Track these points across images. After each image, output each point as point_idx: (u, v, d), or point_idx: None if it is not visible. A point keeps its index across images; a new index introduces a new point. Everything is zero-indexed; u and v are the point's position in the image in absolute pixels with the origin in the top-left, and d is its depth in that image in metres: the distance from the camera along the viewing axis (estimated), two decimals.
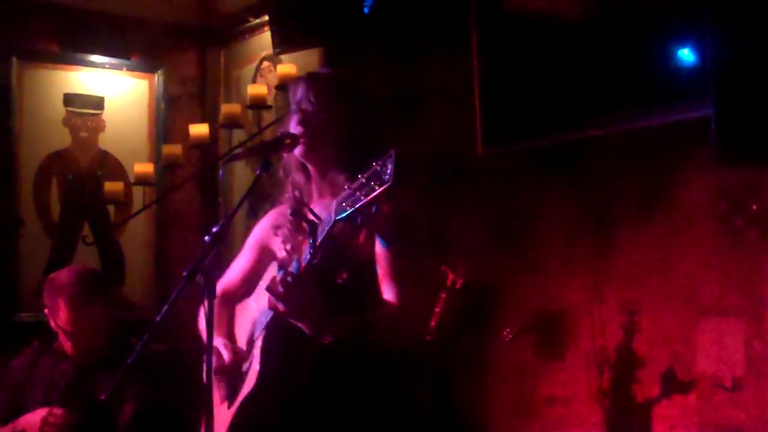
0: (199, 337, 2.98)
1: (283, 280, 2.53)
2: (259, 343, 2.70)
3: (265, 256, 3.02)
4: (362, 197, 2.29)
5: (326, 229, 2.43)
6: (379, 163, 2.26)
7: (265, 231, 3.04)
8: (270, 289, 2.55)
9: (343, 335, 2.59)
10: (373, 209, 2.29)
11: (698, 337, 3.91)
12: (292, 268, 2.57)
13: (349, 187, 2.34)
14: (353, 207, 2.31)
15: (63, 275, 3.86)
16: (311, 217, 2.48)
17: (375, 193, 2.25)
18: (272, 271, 2.75)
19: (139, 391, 3.66)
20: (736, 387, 3.77)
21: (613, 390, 4.18)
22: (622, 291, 4.17)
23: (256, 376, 2.64)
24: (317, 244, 2.47)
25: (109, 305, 3.91)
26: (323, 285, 2.59)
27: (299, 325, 2.59)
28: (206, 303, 2.44)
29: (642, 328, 4.09)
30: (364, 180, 2.30)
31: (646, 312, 4.08)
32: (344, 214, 2.34)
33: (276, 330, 2.66)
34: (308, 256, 2.50)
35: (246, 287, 3.01)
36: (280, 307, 2.56)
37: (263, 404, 2.69)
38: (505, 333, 4.43)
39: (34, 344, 3.98)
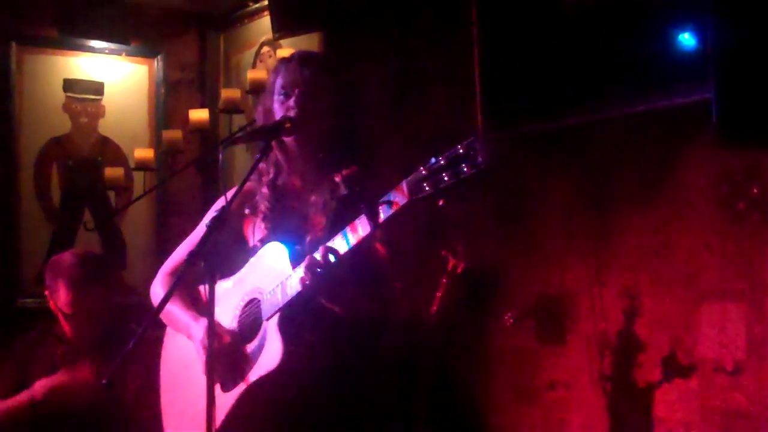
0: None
1: (326, 260, 2.52)
2: (274, 323, 2.66)
3: (230, 235, 2.95)
4: (446, 178, 2.27)
5: (396, 209, 2.40)
6: (464, 146, 2.26)
7: (233, 209, 2.98)
8: (312, 268, 2.52)
9: (371, 311, 2.63)
10: (440, 203, 2.29)
11: (699, 321, 3.91)
12: (337, 246, 2.53)
13: (424, 168, 2.32)
14: (436, 188, 2.29)
15: (64, 257, 3.87)
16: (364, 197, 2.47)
17: (465, 175, 2.25)
18: (278, 250, 2.71)
19: (141, 370, 3.65)
20: (737, 371, 3.77)
21: (614, 374, 4.18)
22: (623, 275, 4.16)
23: (279, 355, 2.60)
24: (380, 222, 2.44)
25: (109, 289, 3.91)
26: (357, 264, 2.60)
27: (331, 303, 2.59)
28: (207, 287, 2.43)
29: (643, 312, 4.09)
30: (444, 162, 2.28)
31: (647, 296, 4.07)
32: (423, 195, 2.33)
33: (296, 310, 2.63)
34: (361, 235, 2.47)
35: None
36: (320, 285, 2.54)
37: (279, 386, 2.66)
38: (506, 317, 4.43)
39: (37, 328, 3.98)
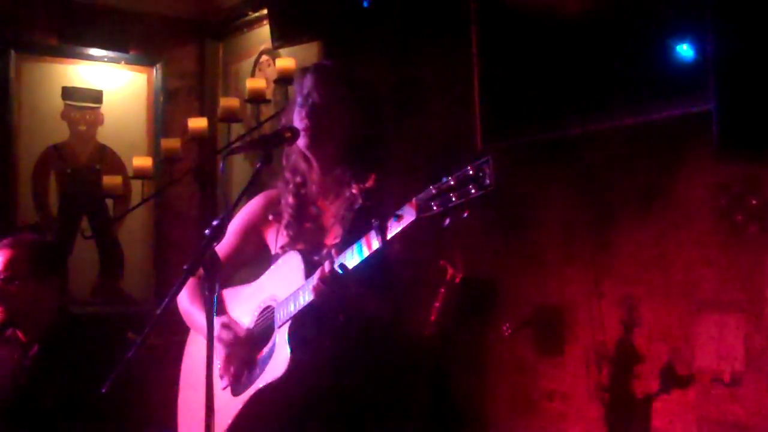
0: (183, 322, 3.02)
1: (335, 272, 2.55)
2: (284, 331, 2.68)
3: (252, 240, 3.01)
4: (455, 199, 2.29)
5: (404, 225, 2.42)
6: (474, 166, 2.27)
7: (256, 214, 3.02)
8: (324, 279, 2.55)
9: (379, 320, 2.66)
10: (465, 214, 2.29)
11: (697, 332, 3.91)
12: (346, 260, 2.56)
13: (434, 188, 2.34)
14: (444, 207, 2.31)
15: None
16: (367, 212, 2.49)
17: (472, 196, 2.26)
18: (295, 260, 2.74)
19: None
20: (735, 382, 3.77)
21: (612, 385, 4.17)
22: (621, 286, 4.17)
23: (286, 363, 2.62)
24: (387, 238, 2.46)
25: (48, 269, 3.71)
26: (368, 272, 2.61)
27: (344, 313, 2.62)
28: (207, 296, 2.43)
29: (641, 323, 4.09)
30: (453, 182, 2.30)
31: (646, 307, 4.08)
32: (431, 214, 2.34)
33: (307, 319, 2.66)
34: (370, 252, 2.50)
35: (228, 269, 2.98)
36: (331, 296, 2.56)
37: (286, 393, 2.68)
38: (504, 328, 4.43)
39: None
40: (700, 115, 3.54)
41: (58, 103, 6.01)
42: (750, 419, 3.72)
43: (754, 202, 3.75)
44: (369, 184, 2.70)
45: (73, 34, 6.08)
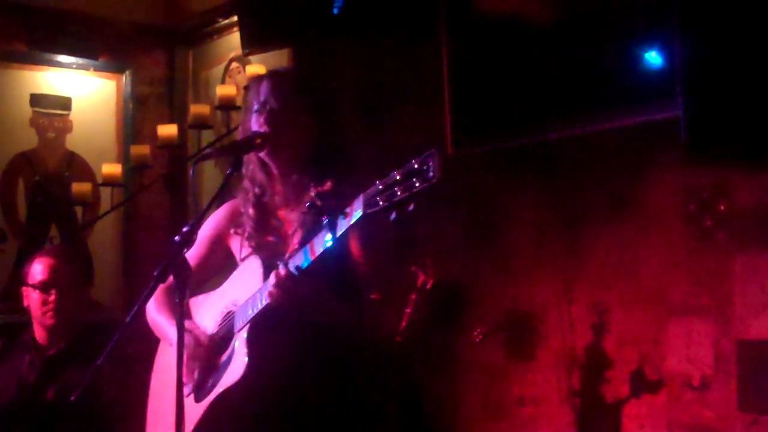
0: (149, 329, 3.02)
1: (289, 274, 2.55)
2: (243, 335, 2.68)
3: (218, 249, 3.02)
4: (399, 193, 2.28)
5: (351, 222, 2.41)
6: (418, 160, 2.26)
7: (221, 225, 3.02)
8: (278, 282, 2.55)
9: (346, 322, 2.67)
10: (411, 207, 2.28)
11: (667, 337, 3.94)
12: (298, 261, 2.56)
13: (380, 183, 2.33)
14: (389, 202, 2.30)
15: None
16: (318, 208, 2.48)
17: (416, 189, 2.25)
18: (254, 264, 2.75)
19: (115, 375, 3.68)
20: (705, 386, 3.80)
21: (583, 390, 4.19)
22: (591, 291, 4.19)
23: (243, 367, 2.63)
24: (337, 236, 2.45)
25: (81, 282, 4.14)
26: (328, 275, 2.62)
27: (303, 315, 2.63)
28: (177, 302, 2.43)
29: (611, 328, 4.11)
30: (399, 176, 2.29)
31: (616, 312, 4.10)
32: (376, 209, 2.33)
33: (265, 322, 2.66)
34: (322, 249, 2.49)
35: (195, 279, 2.95)
36: (287, 300, 2.56)
37: (244, 397, 2.68)
38: (475, 333, 4.44)
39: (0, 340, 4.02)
40: (668, 121, 3.56)
41: (27, 110, 5.96)
42: (719, 423, 3.75)
43: (722, 207, 3.78)
44: (326, 187, 2.71)
45: (41, 41, 6.03)
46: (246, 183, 2.93)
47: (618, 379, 4.07)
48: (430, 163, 2.23)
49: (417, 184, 2.24)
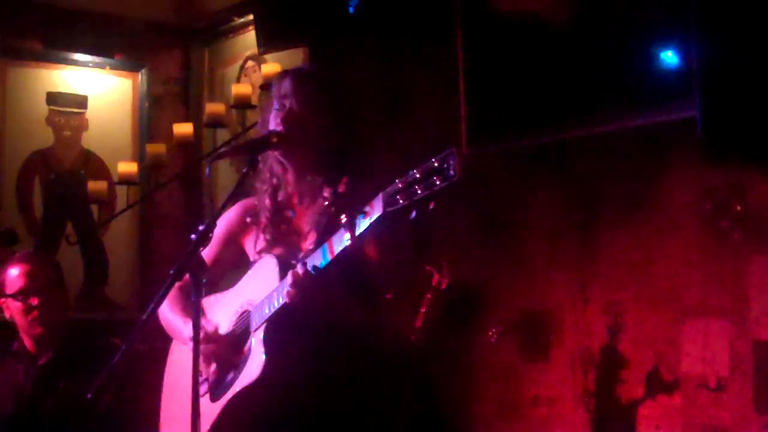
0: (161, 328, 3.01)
1: (307, 273, 2.54)
2: (259, 334, 2.68)
3: (231, 248, 3.01)
4: (420, 191, 2.27)
5: (371, 220, 2.41)
6: (438, 158, 2.25)
7: (233, 223, 3.02)
8: (296, 281, 2.55)
9: (359, 324, 2.66)
10: (432, 205, 2.27)
11: (683, 338, 3.93)
12: (316, 260, 2.55)
13: (400, 181, 2.32)
14: (409, 200, 2.29)
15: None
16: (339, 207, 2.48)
17: (437, 188, 2.24)
18: (270, 263, 2.74)
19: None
20: (720, 387, 3.78)
21: (597, 390, 4.18)
22: (606, 291, 4.17)
23: (261, 366, 2.62)
24: (356, 234, 2.45)
25: (60, 280, 3.91)
26: (345, 275, 2.61)
27: (319, 314, 2.61)
28: (194, 300, 2.43)
29: (626, 328, 4.09)
30: (419, 175, 2.28)
31: (631, 312, 4.08)
32: (397, 207, 2.32)
33: (282, 322, 2.65)
34: (341, 247, 2.49)
35: (209, 278, 2.98)
36: (302, 296, 2.55)
37: (261, 397, 2.68)
38: (490, 333, 4.43)
39: None
40: (685, 121, 3.55)
41: (43, 108, 5.99)
42: (735, 425, 3.73)
43: (738, 208, 3.77)
44: (341, 188, 2.70)
45: (58, 40, 6.06)
46: (264, 175, 2.92)
47: (633, 379, 4.06)
48: (451, 162, 2.22)
49: (438, 182, 2.24)
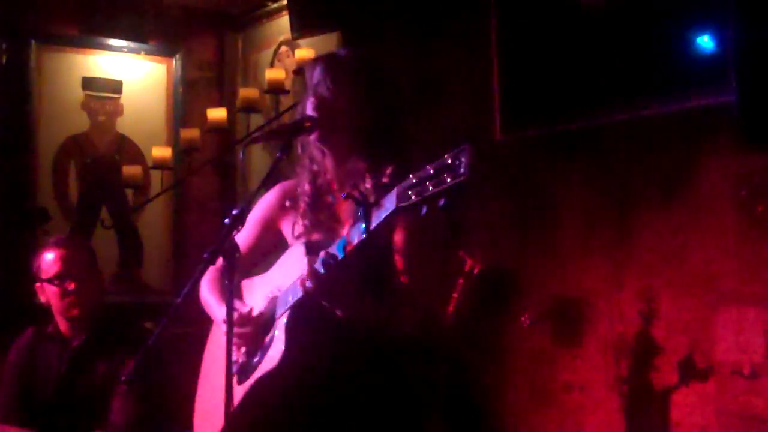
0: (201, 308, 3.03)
1: (326, 262, 2.53)
2: (282, 321, 2.68)
3: (269, 231, 3.01)
4: (431, 188, 2.24)
5: (384, 215, 2.39)
6: (451, 155, 2.21)
7: (272, 206, 3.01)
8: (310, 270, 2.54)
9: (371, 319, 2.61)
10: (442, 202, 2.26)
11: (717, 325, 3.90)
12: (334, 249, 2.55)
13: (414, 176, 2.28)
14: (421, 197, 2.26)
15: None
16: (360, 199, 2.45)
17: (446, 186, 2.20)
18: (299, 251, 2.73)
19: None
20: (755, 374, 3.76)
21: (630, 377, 4.16)
22: (641, 277, 4.15)
23: (280, 354, 2.63)
24: (371, 228, 2.44)
25: (95, 262, 3.93)
26: (360, 268, 2.59)
27: (331, 307, 2.60)
28: (226, 284, 2.44)
29: (660, 315, 4.07)
30: (432, 171, 2.24)
31: (665, 299, 4.06)
32: (409, 203, 2.30)
33: (304, 310, 2.65)
34: (357, 240, 2.47)
35: (247, 262, 2.98)
36: (317, 287, 2.55)
37: (281, 384, 2.68)
38: (522, 319, 4.43)
39: (30, 329, 3.97)
40: (721, 106, 3.53)
41: (78, 93, 6.03)
42: None
43: None
44: (384, 179, 2.68)
45: (93, 25, 6.10)
46: (305, 161, 2.90)
47: (667, 366, 4.04)
48: (462, 159, 2.18)
49: (448, 180, 2.19)
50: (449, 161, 2.21)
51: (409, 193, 2.29)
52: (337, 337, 2.66)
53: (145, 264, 6.14)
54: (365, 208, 2.43)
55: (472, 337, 4.59)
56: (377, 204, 2.40)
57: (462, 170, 2.17)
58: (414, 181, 2.28)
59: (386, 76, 2.90)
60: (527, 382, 4.62)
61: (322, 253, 2.56)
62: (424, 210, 2.27)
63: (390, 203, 2.36)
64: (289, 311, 2.67)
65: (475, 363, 4.66)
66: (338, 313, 2.60)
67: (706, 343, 3.92)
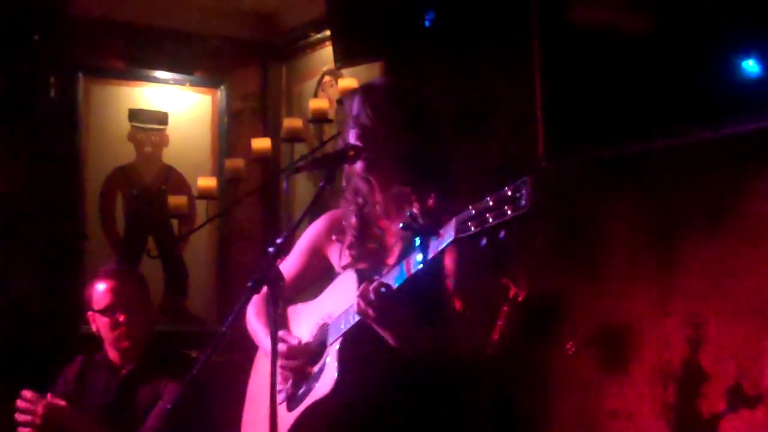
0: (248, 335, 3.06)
1: (378, 290, 2.54)
2: (334, 348, 2.69)
3: (316, 260, 3.03)
4: (491, 219, 2.25)
5: (442, 246, 2.40)
6: (512, 187, 2.23)
7: (320, 235, 3.04)
8: (363, 297, 2.54)
9: (425, 347, 2.62)
10: (502, 234, 2.27)
11: (766, 351, 3.85)
12: (390, 278, 2.56)
13: (473, 207, 2.30)
14: (480, 228, 2.28)
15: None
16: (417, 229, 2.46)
17: (507, 218, 2.21)
18: (350, 278, 2.74)
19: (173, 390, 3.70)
20: None
21: (678, 404, 4.12)
22: (687, 304, 4.11)
23: (333, 381, 2.64)
24: (428, 258, 2.45)
25: (146, 293, 3.98)
26: (414, 295, 2.60)
27: (385, 335, 2.60)
28: (270, 312, 2.46)
29: (708, 341, 4.03)
30: (492, 203, 2.26)
31: (713, 325, 4.02)
32: (468, 234, 2.32)
33: (357, 337, 2.66)
34: (414, 270, 2.48)
35: (293, 289, 3.02)
36: (372, 315, 2.55)
37: (334, 410, 2.69)
38: (567, 346, 4.40)
39: (80, 357, 4.01)
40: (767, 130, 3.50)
41: (125, 125, 6.12)
42: None
43: None
44: (429, 203, 2.69)
45: (139, 58, 6.19)
46: (349, 194, 2.93)
47: (715, 393, 3.99)
48: (523, 191, 2.19)
49: (509, 212, 2.21)
50: (509, 193, 2.22)
51: (469, 224, 2.30)
52: (389, 364, 2.67)
53: (190, 293, 6.19)
54: (423, 239, 2.44)
55: (516, 364, 4.56)
56: (435, 234, 2.41)
57: (523, 203, 2.19)
58: (473, 212, 2.29)
59: (425, 102, 2.92)
60: (572, 410, 4.58)
61: (375, 282, 2.57)
62: (484, 241, 2.28)
63: (449, 234, 2.37)
64: (341, 338, 2.68)
65: (519, 390, 4.63)
66: (392, 341, 2.61)
67: (754, 370, 3.87)
